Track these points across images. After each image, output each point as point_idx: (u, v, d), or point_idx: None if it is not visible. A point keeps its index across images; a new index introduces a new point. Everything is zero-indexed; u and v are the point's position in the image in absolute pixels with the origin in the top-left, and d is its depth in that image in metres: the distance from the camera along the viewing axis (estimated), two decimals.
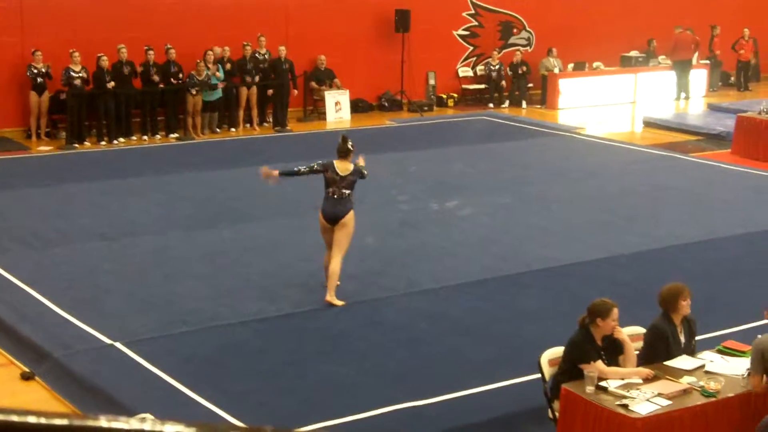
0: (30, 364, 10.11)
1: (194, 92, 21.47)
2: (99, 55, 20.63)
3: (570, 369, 8.05)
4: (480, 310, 11.53)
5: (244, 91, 22.54)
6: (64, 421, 1.16)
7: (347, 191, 11.37)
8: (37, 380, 9.82)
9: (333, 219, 11.38)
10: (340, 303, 11.52)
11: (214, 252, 13.59)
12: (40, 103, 20.74)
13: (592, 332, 8.10)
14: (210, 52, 21.76)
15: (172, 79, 21.46)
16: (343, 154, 11.47)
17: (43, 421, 1.15)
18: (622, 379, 7.88)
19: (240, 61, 22.43)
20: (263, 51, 22.78)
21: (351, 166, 11.43)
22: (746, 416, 7.85)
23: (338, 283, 11.67)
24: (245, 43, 22.48)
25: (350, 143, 11.48)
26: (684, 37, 27.36)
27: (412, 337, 10.68)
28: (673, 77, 27.37)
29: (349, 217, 11.40)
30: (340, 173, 11.36)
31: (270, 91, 22.75)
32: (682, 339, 8.44)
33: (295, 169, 11.63)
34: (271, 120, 23.13)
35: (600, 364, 7.93)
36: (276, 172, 11.80)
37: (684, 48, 27.26)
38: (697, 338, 9.13)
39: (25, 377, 9.86)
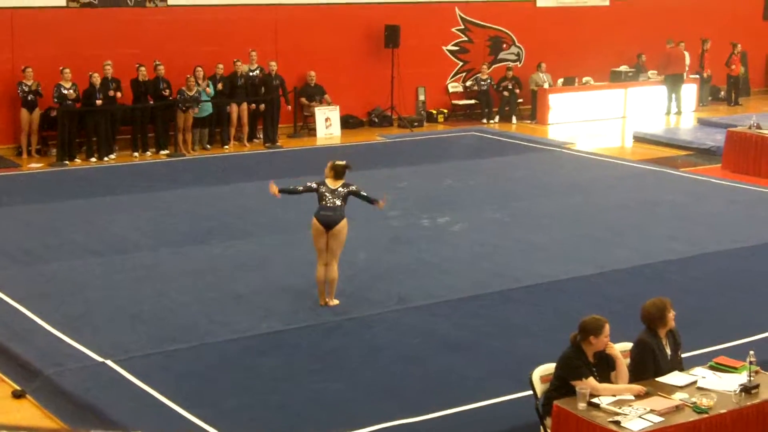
0: (21, 382, 10.07)
1: (184, 108, 21.46)
2: (90, 73, 20.63)
3: (562, 385, 8.04)
4: (471, 326, 11.52)
5: (234, 107, 22.53)
6: None
7: (339, 202, 11.77)
8: (28, 398, 9.78)
9: (327, 224, 11.76)
10: (336, 301, 12.01)
11: (204, 269, 13.58)
12: (31, 121, 20.73)
13: (583, 349, 8.10)
14: (199, 68, 21.76)
15: (163, 93, 21.41)
16: (339, 175, 11.92)
17: None
18: (614, 396, 7.87)
19: (231, 78, 22.43)
20: (254, 67, 22.78)
21: (340, 183, 11.88)
22: None
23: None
24: (236, 60, 22.49)
25: (347, 169, 12.00)
26: (675, 52, 27.44)
27: (404, 354, 10.67)
28: (664, 92, 27.41)
29: (343, 224, 11.80)
30: (332, 187, 11.83)
31: (262, 107, 22.75)
32: (668, 352, 8.45)
33: (292, 187, 12.19)
34: (261, 136, 23.13)
35: (592, 381, 7.92)
36: (277, 189, 12.24)
37: (675, 62, 27.33)
38: (687, 354, 9.16)
39: (16, 395, 9.82)
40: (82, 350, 10.60)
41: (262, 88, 22.91)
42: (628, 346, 8.56)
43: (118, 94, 20.87)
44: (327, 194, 11.77)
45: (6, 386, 10.07)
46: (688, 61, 27.85)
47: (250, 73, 22.68)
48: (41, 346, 10.78)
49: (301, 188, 12.04)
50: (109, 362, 10.30)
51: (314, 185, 11.89)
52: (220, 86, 22.08)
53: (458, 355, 10.65)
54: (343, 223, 11.79)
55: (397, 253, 14.33)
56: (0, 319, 11.61)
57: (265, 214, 16.43)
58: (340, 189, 11.79)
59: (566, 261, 14.02)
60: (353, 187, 11.91)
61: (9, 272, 13.35)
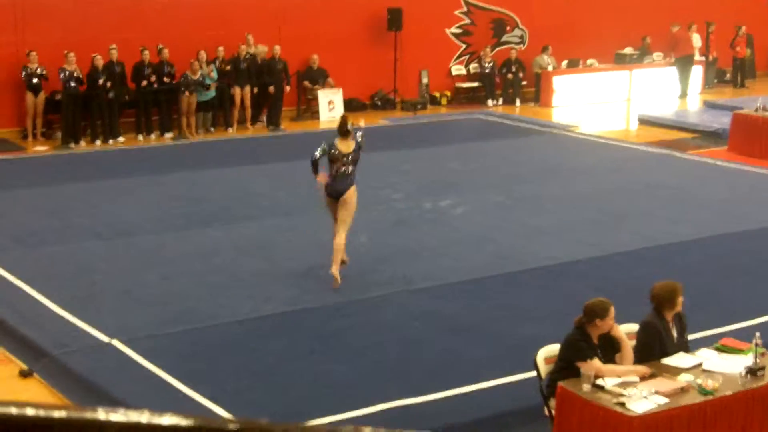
0: (28, 361, 10.11)
1: (188, 93, 21.44)
2: (93, 55, 20.61)
3: (566, 367, 8.04)
4: (475, 308, 11.53)
5: (237, 90, 22.49)
6: (62, 414, 1.16)
7: (351, 167, 11.83)
8: (36, 377, 9.84)
9: (335, 194, 11.87)
10: (338, 281, 11.89)
11: (208, 251, 13.59)
12: (36, 104, 20.73)
13: (588, 331, 8.09)
14: (203, 52, 21.73)
15: (165, 79, 21.40)
16: (344, 133, 11.89)
17: (41, 413, 1.15)
18: (619, 377, 7.87)
19: (234, 61, 22.38)
20: (252, 50, 22.65)
21: (353, 145, 11.85)
22: (744, 415, 7.85)
23: (346, 259, 12.11)
24: (242, 45, 22.44)
25: (350, 124, 11.95)
26: (682, 35, 27.36)
27: (407, 336, 10.68)
28: (672, 74, 27.29)
29: (351, 193, 11.88)
30: (343, 151, 11.78)
31: (271, 89, 22.65)
32: (674, 335, 8.45)
33: (315, 158, 11.85)
34: (264, 119, 23.11)
35: (596, 362, 7.92)
36: (320, 177, 11.96)
37: (683, 45, 27.23)
38: (693, 336, 9.16)
39: (24, 375, 9.87)
40: (89, 330, 10.64)
41: (266, 73, 22.85)
42: (633, 327, 8.56)
43: (101, 82, 20.77)
44: (337, 159, 11.73)
45: (13, 366, 10.11)
46: (699, 43, 27.76)
47: (247, 55, 22.53)
48: (48, 326, 10.82)
49: (318, 153, 11.79)
50: (115, 342, 10.34)
51: (327, 147, 11.78)
52: (227, 67, 22.02)
53: (462, 337, 10.65)
54: (352, 191, 11.87)
55: (400, 236, 14.33)
56: (7, 300, 11.65)
57: (269, 197, 16.44)
58: (352, 154, 11.81)
59: (570, 244, 14.01)
60: (361, 142, 11.95)
61: (15, 254, 13.38)
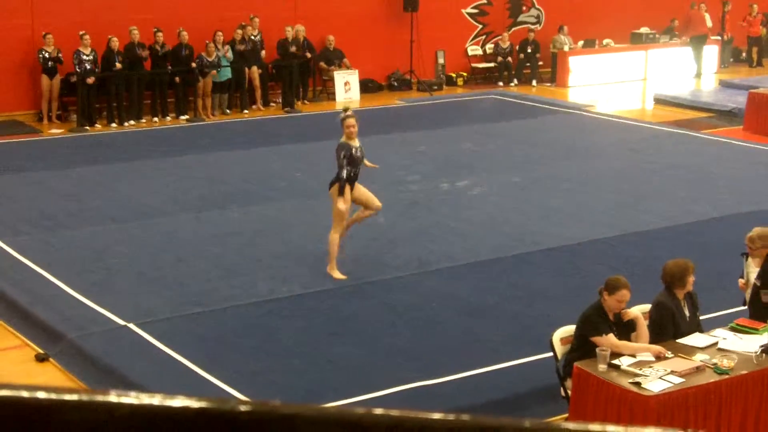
0: (44, 345, 10.16)
1: (203, 74, 21.45)
2: (110, 36, 20.62)
3: (582, 345, 8.05)
4: (491, 289, 11.53)
5: (253, 71, 22.47)
6: (74, 397, 1.16)
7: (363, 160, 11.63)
8: (52, 361, 9.87)
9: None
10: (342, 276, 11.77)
11: (225, 233, 13.61)
12: (52, 87, 20.78)
13: (604, 308, 8.10)
14: (219, 33, 21.73)
15: (188, 64, 21.39)
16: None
17: (53, 396, 1.16)
18: (634, 355, 7.87)
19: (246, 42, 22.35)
20: (255, 33, 22.59)
21: (358, 140, 11.57)
22: (759, 394, 7.85)
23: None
24: (247, 25, 22.39)
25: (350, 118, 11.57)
26: (695, 14, 27.23)
27: (423, 317, 10.69)
28: (689, 54, 27.18)
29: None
30: (357, 145, 11.48)
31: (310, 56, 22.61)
32: (687, 313, 8.44)
33: (344, 177, 11.37)
34: (280, 101, 23.10)
35: (611, 338, 7.92)
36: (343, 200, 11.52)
37: (696, 24, 27.11)
38: (709, 316, 9.15)
39: (40, 359, 9.91)
40: (105, 314, 10.67)
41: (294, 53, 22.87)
42: (647, 307, 8.56)
43: (118, 65, 20.76)
44: (357, 156, 11.45)
45: (29, 350, 10.16)
46: (710, 23, 27.63)
47: (252, 37, 22.49)
48: (64, 310, 10.85)
49: (345, 172, 11.36)
50: (131, 325, 10.37)
51: (347, 158, 11.35)
52: (243, 47, 22.00)
53: (478, 319, 10.66)
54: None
55: (416, 218, 14.33)
56: (23, 284, 11.68)
57: (285, 178, 16.45)
58: (363, 149, 11.60)
59: (586, 224, 13.99)
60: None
61: (31, 238, 13.42)
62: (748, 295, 9.00)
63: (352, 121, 11.49)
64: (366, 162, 11.79)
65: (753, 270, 8.95)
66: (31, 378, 9.47)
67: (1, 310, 11.09)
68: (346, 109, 11.94)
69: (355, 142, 11.49)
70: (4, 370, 9.78)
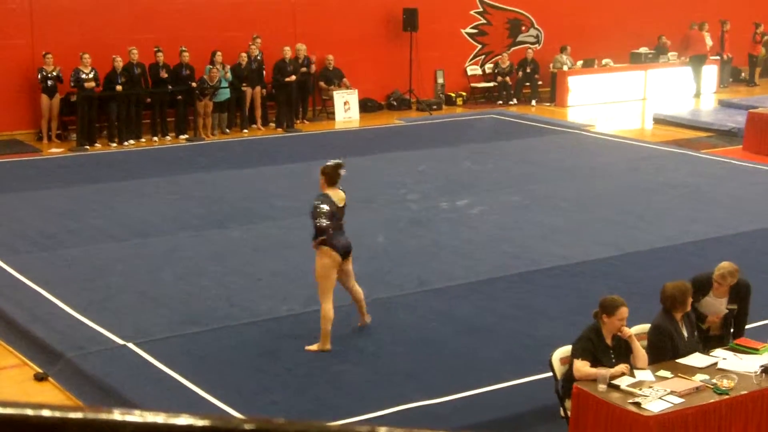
0: (43, 365, 10.14)
1: (202, 97, 21.47)
2: (114, 56, 20.64)
3: None
4: (491, 308, 11.52)
5: (256, 91, 22.51)
6: (78, 415, 1.16)
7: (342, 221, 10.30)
8: (51, 381, 9.86)
9: (345, 252, 10.26)
10: (369, 316, 11.01)
11: (224, 252, 13.61)
12: (51, 106, 20.81)
13: (601, 329, 8.09)
14: (219, 53, 21.78)
15: (189, 83, 21.44)
16: (335, 182, 10.19)
17: (57, 414, 1.16)
18: (594, 378, 7.82)
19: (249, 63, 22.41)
20: (256, 53, 22.63)
21: (343, 194, 10.22)
22: (759, 414, 7.83)
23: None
24: (251, 45, 22.46)
25: (343, 170, 10.24)
26: (695, 34, 27.29)
27: (423, 336, 10.68)
28: (688, 74, 27.22)
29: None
30: (338, 204, 10.15)
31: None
32: (685, 333, 8.44)
33: (325, 225, 9.98)
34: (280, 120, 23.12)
35: (578, 363, 7.90)
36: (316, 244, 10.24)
37: (696, 44, 27.15)
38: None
39: (39, 378, 9.89)
40: (104, 333, 10.66)
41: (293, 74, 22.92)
42: (646, 327, 8.55)
43: (118, 88, 20.78)
44: (335, 215, 10.04)
45: (28, 369, 10.14)
46: (710, 43, 27.68)
47: (258, 57, 22.57)
48: (63, 329, 10.84)
49: (326, 223, 9.95)
50: (130, 345, 10.35)
51: (326, 209, 9.96)
52: (253, 66, 22.07)
53: (477, 338, 10.65)
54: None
55: (416, 236, 14.33)
56: (22, 302, 11.67)
57: (284, 197, 16.46)
58: (344, 207, 10.23)
59: (586, 243, 13.99)
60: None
61: (30, 256, 13.41)
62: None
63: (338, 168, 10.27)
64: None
65: (719, 302, 8.96)
66: (30, 397, 9.44)
67: (0, 329, 11.08)
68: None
69: (338, 196, 10.19)
70: (3, 389, 9.77)
